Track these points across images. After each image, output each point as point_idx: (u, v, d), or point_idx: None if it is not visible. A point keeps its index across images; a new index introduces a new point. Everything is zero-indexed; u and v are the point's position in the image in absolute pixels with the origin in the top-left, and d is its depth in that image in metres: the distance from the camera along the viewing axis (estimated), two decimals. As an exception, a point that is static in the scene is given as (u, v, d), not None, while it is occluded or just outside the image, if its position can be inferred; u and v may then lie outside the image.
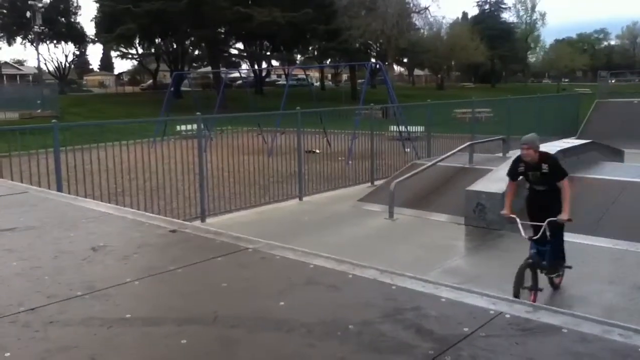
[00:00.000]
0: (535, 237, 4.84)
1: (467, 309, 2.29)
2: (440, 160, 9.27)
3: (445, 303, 2.36)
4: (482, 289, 2.56)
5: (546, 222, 4.88)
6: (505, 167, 8.48)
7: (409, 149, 13.15)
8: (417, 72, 72.45)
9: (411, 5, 42.72)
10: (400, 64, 63.57)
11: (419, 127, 13.95)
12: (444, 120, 13.73)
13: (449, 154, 9.44)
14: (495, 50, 57.69)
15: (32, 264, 2.88)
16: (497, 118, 14.88)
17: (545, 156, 5.16)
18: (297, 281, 2.68)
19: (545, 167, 5.06)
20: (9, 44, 52.82)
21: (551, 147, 9.78)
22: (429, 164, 9.23)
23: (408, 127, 14.39)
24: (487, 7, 67.19)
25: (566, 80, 67.88)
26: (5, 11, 50.98)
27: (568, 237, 6.62)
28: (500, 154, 10.62)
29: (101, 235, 3.44)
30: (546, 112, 16.22)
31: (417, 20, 46.50)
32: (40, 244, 3.31)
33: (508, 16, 66.57)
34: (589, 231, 6.62)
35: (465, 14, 71.09)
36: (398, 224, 7.78)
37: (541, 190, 5.18)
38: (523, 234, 4.83)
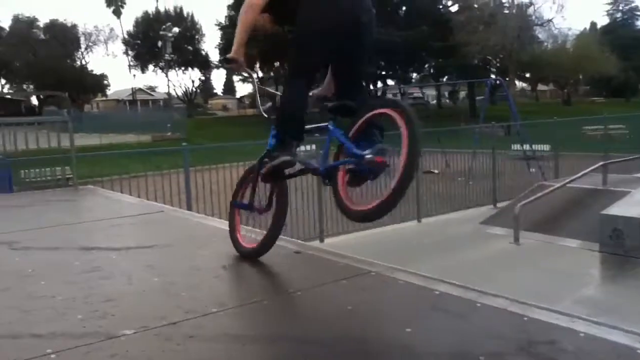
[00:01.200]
0: None
1: (609, 346, 2.13)
2: (570, 182, 8.72)
3: (583, 338, 2.21)
4: (621, 322, 2.36)
5: None
6: (645, 189, 7.85)
7: (534, 169, 12.55)
8: (540, 87, 69.19)
9: (533, 17, 40.98)
10: (522, 79, 61.02)
11: (544, 145, 13.28)
12: (572, 138, 12.98)
13: (579, 174, 8.86)
14: (630, 62, 53.52)
15: (170, 280, 3.09)
16: (633, 135, 13.78)
17: None
18: (422, 307, 2.64)
19: None
20: (143, 71, 57.85)
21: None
22: (558, 185, 8.72)
23: (533, 146, 13.74)
24: (619, 15, 62.83)
25: None
26: (139, 42, 55.89)
27: None
28: (639, 175, 9.79)
29: (229, 253, 3.60)
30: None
31: (540, 33, 44.50)
32: (176, 261, 3.54)
33: (644, 24, 61.81)
34: None
35: (593, 24, 66.96)
36: (524, 249, 7.41)
37: None
38: None
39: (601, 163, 9.30)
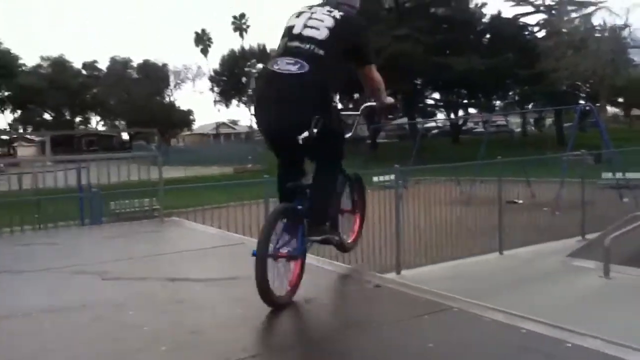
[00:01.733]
0: None
1: None
2: (667, 213, 8.17)
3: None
4: None
5: None
6: None
7: (627, 199, 11.84)
8: (635, 111, 65.55)
9: (629, 40, 38.98)
10: (615, 104, 58.05)
11: (639, 174, 12.54)
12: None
13: (679, 205, 8.29)
14: None
15: (253, 313, 3.12)
16: None
17: None
18: (508, 347, 2.53)
19: None
20: (227, 106, 60.18)
21: None
22: (654, 216, 8.18)
23: (626, 174, 13.00)
24: None
25: None
26: (225, 78, 58.35)
27: None
28: None
29: (309, 286, 3.60)
30: None
31: (636, 56, 42.17)
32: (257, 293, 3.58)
33: None
34: None
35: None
36: (616, 284, 6.96)
37: None
38: None
39: None
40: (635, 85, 45.10)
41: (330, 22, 2.99)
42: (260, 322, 2.92)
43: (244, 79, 52.31)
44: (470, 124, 55.52)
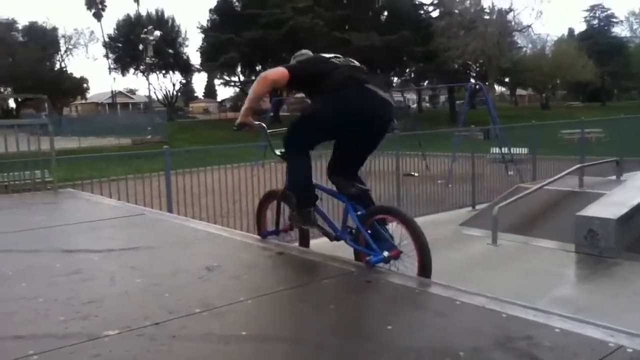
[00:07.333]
0: None
1: (582, 340, 2.20)
2: (547, 184, 8.87)
3: (558, 333, 2.28)
4: (596, 320, 2.44)
5: None
6: (620, 190, 8.00)
7: (512, 172, 12.72)
8: (519, 91, 70.07)
9: (513, 23, 41.53)
10: (502, 83, 61.74)
11: (523, 148, 13.48)
12: (550, 141, 13.17)
13: (556, 177, 9.03)
14: (606, 67, 54.54)
15: (153, 281, 3.10)
16: (609, 139, 14.03)
17: None
18: (404, 306, 2.69)
19: None
20: (123, 74, 57.41)
21: (672, 169, 9.10)
22: (535, 187, 8.86)
23: (511, 149, 13.93)
24: (595, 22, 63.99)
25: (688, 96, 62.82)
26: (120, 45, 55.52)
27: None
28: (614, 177, 9.98)
29: (213, 255, 3.62)
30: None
31: (519, 39, 45.08)
32: (160, 263, 3.54)
33: (620, 30, 63.03)
34: None
35: (571, 31, 67.99)
36: (502, 250, 7.52)
37: None
38: None
39: (578, 166, 9.47)
40: (519, 66, 48.23)
41: None
42: (161, 291, 2.89)
43: (140, 46, 50.04)
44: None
